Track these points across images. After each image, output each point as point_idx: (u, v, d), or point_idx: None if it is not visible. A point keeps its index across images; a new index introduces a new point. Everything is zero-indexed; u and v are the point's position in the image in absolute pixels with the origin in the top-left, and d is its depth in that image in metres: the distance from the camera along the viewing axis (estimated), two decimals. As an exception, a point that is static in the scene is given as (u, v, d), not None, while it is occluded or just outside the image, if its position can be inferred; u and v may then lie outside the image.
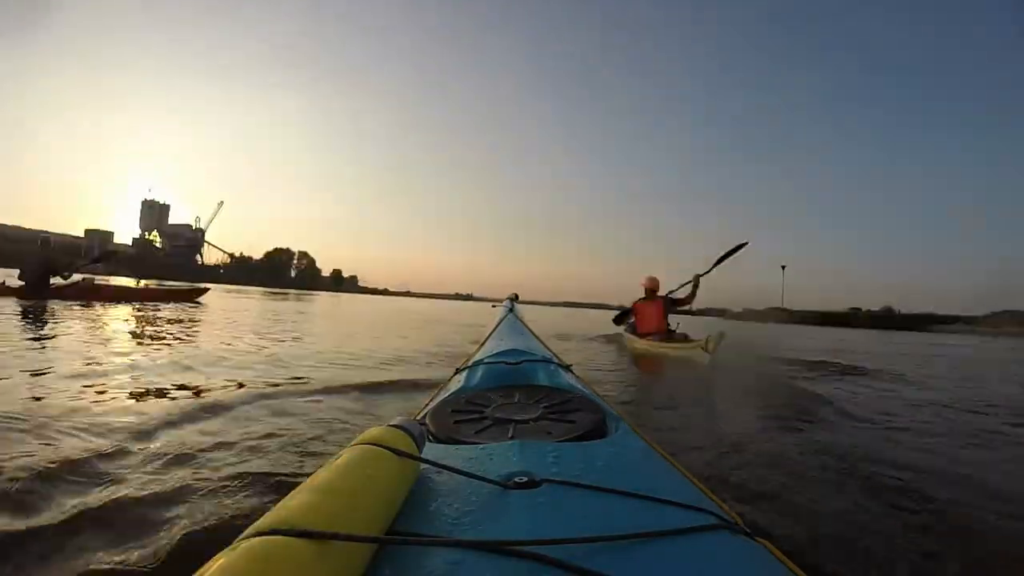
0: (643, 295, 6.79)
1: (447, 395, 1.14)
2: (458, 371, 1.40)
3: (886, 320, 50.64)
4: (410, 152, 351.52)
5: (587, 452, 0.72)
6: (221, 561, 0.33)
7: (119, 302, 8.92)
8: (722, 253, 6.68)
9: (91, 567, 0.91)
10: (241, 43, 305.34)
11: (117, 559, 0.93)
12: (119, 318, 6.23)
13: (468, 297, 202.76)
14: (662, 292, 6.79)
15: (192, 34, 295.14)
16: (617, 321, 7.52)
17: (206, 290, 11.87)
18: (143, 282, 15.02)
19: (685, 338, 5.96)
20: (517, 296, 2.75)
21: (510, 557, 0.43)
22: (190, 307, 9.26)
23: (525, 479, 0.59)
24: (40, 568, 0.91)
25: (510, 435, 0.81)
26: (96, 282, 9.50)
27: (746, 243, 6.75)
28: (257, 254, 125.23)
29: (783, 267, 53.99)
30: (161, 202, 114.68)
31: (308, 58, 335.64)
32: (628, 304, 7.22)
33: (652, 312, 6.61)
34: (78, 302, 7.97)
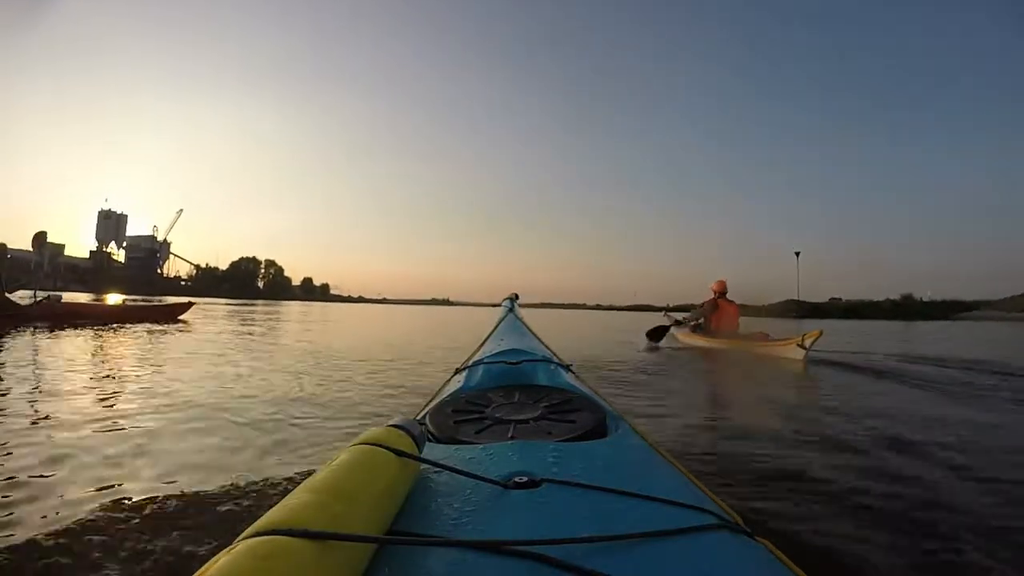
0: (715, 295, 7.13)
1: (447, 395, 1.15)
2: (458, 371, 1.40)
3: (909, 309, 48.62)
4: (383, 158, 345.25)
5: (587, 452, 0.72)
6: (221, 561, 0.33)
7: (91, 324, 7.69)
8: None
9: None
10: (200, 50, 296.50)
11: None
12: (94, 349, 4.99)
13: (445, 302, 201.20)
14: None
15: (148, 41, 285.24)
16: (695, 320, 7.60)
17: (190, 306, 10.50)
18: (118, 299, 13.98)
19: (766, 336, 6.17)
20: (517, 296, 2.72)
21: (510, 557, 0.44)
22: (172, 329, 7.78)
23: (525, 479, 0.59)
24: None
25: (510, 435, 0.81)
26: (63, 300, 8.49)
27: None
28: (223, 264, 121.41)
29: (797, 254, 46.09)
30: (118, 212, 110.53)
31: (274, 65, 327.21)
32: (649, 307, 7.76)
33: (733, 312, 7.00)
34: (43, 325, 6.95)
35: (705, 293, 7.39)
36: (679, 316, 8.57)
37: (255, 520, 0.39)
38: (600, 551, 0.46)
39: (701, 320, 7.39)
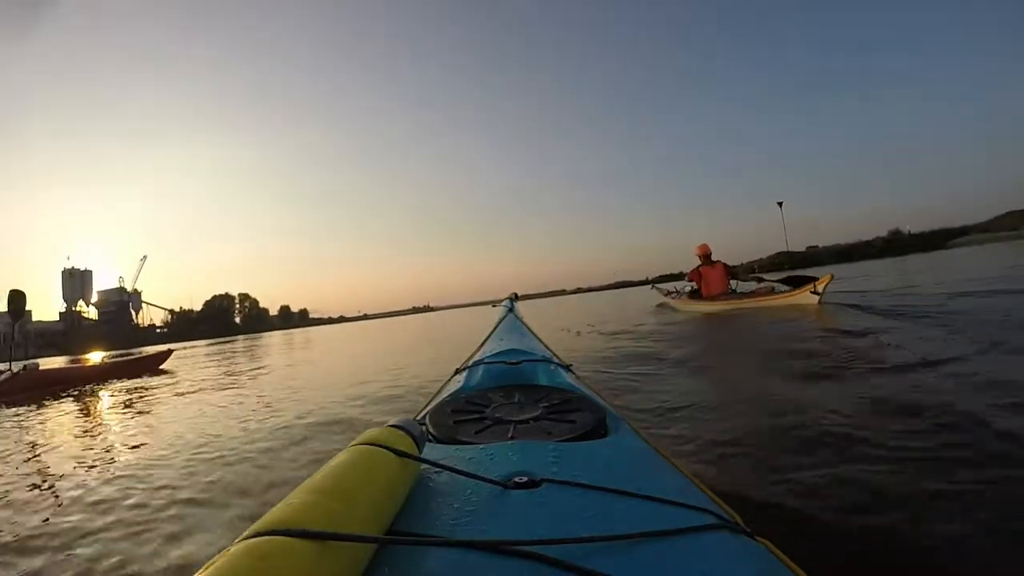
0: (699, 262, 7.12)
1: (447, 395, 1.14)
2: (458, 371, 1.39)
3: (899, 244, 46.68)
4: (344, 173, 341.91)
5: (587, 452, 0.73)
6: (221, 561, 0.34)
7: (74, 388, 7.12)
8: (796, 276, 6.84)
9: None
10: (152, 85, 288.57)
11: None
12: (81, 425, 3.93)
13: (426, 308, 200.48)
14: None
15: (87, 85, 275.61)
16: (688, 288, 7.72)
17: (169, 354, 10.18)
18: (98, 357, 13.44)
19: (772, 290, 6.12)
20: (517, 295, 2.70)
21: (510, 557, 0.44)
22: (157, 381, 7.16)
23: (525, 479, 0.59)
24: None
25: (510, 435, 0.81)
26: (41, 368, 7.69)
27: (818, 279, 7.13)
28: (197, 305, 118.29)
29: (780, 204, 43.13)
30: (82, 269, 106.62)
31: (223, 93, 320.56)
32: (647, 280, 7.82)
33: (717, 276, 6.93)
34: (23, 398, 6.24)
35: (689, 259, 7.34)
36: (667, 287, 8.61)
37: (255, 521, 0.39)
38: (600, 551, 0.46)
39: (692, 284, 7.37)
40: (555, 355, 1.58)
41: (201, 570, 0.34)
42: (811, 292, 5.44)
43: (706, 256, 7.13)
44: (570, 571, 0.42)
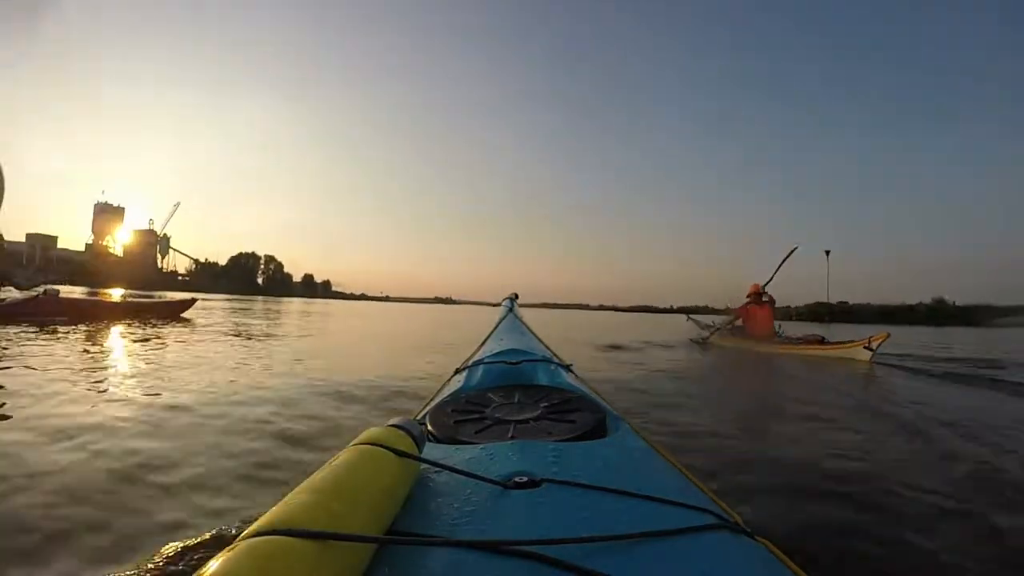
0: (748, 300, 7.25)
1: (447, 395, 1.15)
2: (458, 371, 1.39)
3: (943, 313, 45.77)
4: (387, 158, 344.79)
5: (587, 452, 0.72)
6: (221, 561, 0.33)
7: (90, 320, 7.08)
8: (779, 262, 7.18)
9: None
10: (202, 43, 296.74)
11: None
12: (97, 354, 4.14)
13: (448, 300, 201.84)
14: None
15: (145, 32, 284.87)
16: (728, 324, 7.93)
17: (193, 302, 10.00)
18: (119, 294, 13.60)
19: (821, 340, 6.07)
20: (517, 296, 2.74)
21: (510, 557, 0.44)
22: (178, 328, 7.10)
23: (525, 479, 0.59)
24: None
25: (510, 435, 0.81)
26: (61, 295, 7.74)
27: (796, 247, 7.23)
28: (222, 260, 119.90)
29: (827, 252, 40.64)
30: (115, 205, 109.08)
31: (271, 56, 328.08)
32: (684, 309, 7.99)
33: (764, 316, 7.02)
34: (36, 323, 6.28)
35: (728, 292, 7.65)
36: (707, 320, 8.71)
37: (255, 520, 0.39)
38: (600, 551, 0.45)
39: (738, 321, 7.48)
40: (555, 355, 1.58)
41: (201, 570, 0.33)
42: (864, 347, 5.34)
43: (757, 295, 7.18)
44: (570, 571, 0.42)
